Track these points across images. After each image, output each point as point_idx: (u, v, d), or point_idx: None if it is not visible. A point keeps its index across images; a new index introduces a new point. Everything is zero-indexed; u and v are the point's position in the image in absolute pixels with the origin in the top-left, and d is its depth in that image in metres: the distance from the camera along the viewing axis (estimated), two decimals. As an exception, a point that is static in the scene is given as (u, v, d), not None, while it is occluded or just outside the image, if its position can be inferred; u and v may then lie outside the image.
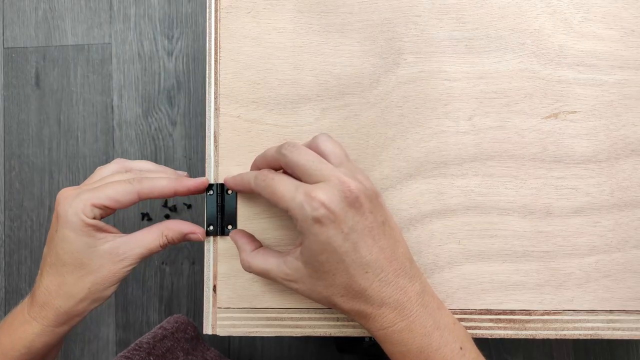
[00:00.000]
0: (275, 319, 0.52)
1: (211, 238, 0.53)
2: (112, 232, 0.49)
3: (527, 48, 0.54)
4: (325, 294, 0.43)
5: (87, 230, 0.47)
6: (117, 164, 0.53)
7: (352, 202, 0.40)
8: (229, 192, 0.53)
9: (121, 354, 0.61)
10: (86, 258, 0.47)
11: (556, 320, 0.51)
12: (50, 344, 0.49)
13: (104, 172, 0.52)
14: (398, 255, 0.43)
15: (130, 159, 1.09)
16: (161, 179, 0.50)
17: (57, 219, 0.47)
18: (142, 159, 1.09)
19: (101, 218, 0.49)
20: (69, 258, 0.47)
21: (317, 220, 0.39)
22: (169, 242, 0.51)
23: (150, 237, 0.50)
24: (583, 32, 0.54)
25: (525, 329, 0.51)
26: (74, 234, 0.46)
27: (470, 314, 0.52)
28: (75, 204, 0.46)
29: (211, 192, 0.53)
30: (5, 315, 1.10)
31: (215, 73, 0.55)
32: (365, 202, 0.41)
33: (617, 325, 0.51)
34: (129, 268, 0.49)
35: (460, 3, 0.54)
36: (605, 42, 0.54)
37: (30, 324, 0.48)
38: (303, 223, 0.40)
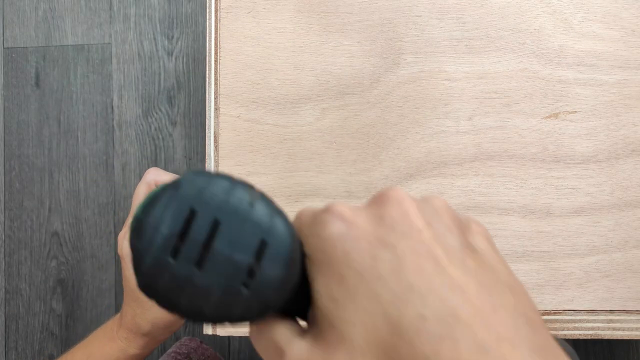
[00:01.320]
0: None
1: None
2: None
3: (527, 48, 0.54)
4: None
5: None
6: (145, 178, 0.53)
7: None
8: None
9: None
10: (143, 298, 0.51)
11: (556, 320, 0.51)
12: None
13: (139, 193, 0.53)
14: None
15: (130, 159, 1.10)
16: None
17: (121, 260, 0.52)
18: (143, 159, 1.09)
19: None
20: (132, 295, 0.52)
21: None
22: None
23: None
24: (583, 32, 0.54)
25: (526, 329, 0.51)
26: (131, 274, 0.51)
27: (471, 314, 0.52)
28: (127, 243, 0.48)
29: None
30: (5, 317, 1.10)
31: (216, 73, 0.55)
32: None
33: (617, 325, 0.51)
34: None
35: (460, 3, 0.54)
36: (605, 42, 0.54)
37: (116, 342, 0.53)
38: None
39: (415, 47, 0.54)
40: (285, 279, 0.19)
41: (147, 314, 0.51)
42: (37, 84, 1.12)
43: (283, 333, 0.23)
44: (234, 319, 0.19)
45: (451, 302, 0.20)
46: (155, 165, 1.08)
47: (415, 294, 0.20)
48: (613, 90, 0.53)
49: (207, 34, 0.55)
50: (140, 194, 0.53)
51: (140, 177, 1.09)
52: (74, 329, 1.08)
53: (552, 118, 0.53)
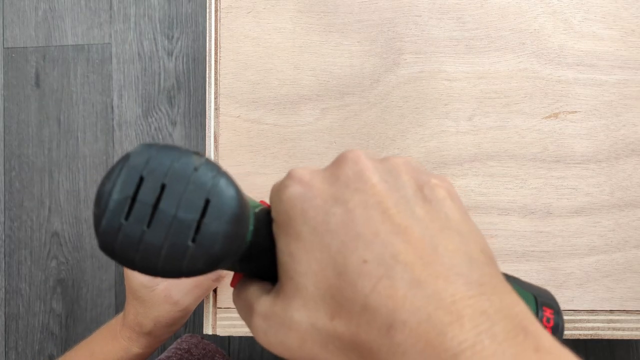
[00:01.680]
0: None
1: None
2: None
3: (527, 48, 0.54)
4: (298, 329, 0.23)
5: None
6: None
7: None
8: None
9: None
10: (145, 296, 0.52)
11: (556, 320, 0.51)
12: None
13: None
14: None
15: (130, 159, 1.09)
16: None
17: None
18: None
19: None
20: (134, 294, 0.52)
21: None
22: (222, 276, 0.53)
23: (202, 277, 0.51)
24: (583, 32, 0.54)
25: (526, 329, 0.51)
26: (133, 274, 0.52)
27: (471, 314, 0.52)
28: None
29: None
30: (5, 317, 1.10)
31: (216, 73, 0.55)
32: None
33: (617, 325, 0.51)
34: (187, 310, 0.53)
35: (460, 3, 0.54)
36: (605, 42, 0.54)
37: (119, 341, 0.54)
38: None
39: (415, 47, 0.54)
40: (229, 233, 0.22)
41: (150, 312, 0.51)
42: (37, 84, 1.12)
43: (253, 292, 0.26)
44: (185, 272, 0.21)
45: (393, 245, 0.22)
46: (155, 165, 1.08)
47: (360, 241, 0.22)
48: (613, 90, 0.53)
49: (207, 34, 0.55)
50: None
51: (140, 177, 1.09)
52: (74, 329, 1.08)
53: (552, 118, 0.53)
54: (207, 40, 0.55)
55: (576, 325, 0.51)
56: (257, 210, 0.25)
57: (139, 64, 1.11)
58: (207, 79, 0.55)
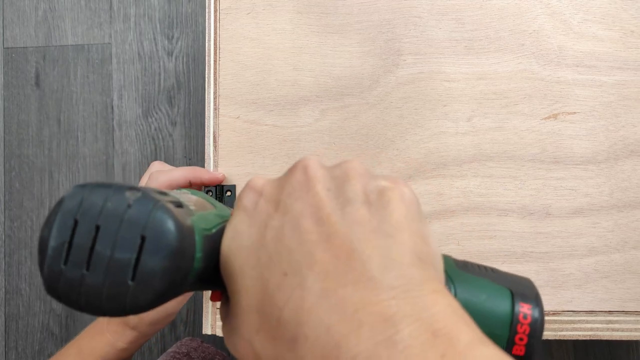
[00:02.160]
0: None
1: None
2: None
3: (527, 49, 0.54)
4: (238, 343, 0.24)
5: None
6: (149, 174, 0.53)
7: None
8: (228, 193, 0.53)
9: None
10: None
11: (555, 321, 0.51)
12: (121, 357, 0.54)
13: (142, 181, 0.54)
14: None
15: (130, 159, 1.10)
16: (176, 170, 0.52)
17: None
18: (143, 159, 1.10)
19: None
20: None
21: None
22: None
23: None
24: (582, 32, 0.54)
25: (525, 330, 0.51)
26: None
27: (470, 314, 0.52)
28: None
29: (210, 193, 0.53)
30: (5, 317, 1.10)
31: (215, 74, 0.55)
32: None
33: (617, 326, 0.51)
34: (172, 310, 0.53)
35: (459, 4, 0.54)
36: (604, 43, 0.54)
37: (105, 335, 0.53)
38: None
39: (414, 48, 0.54)
40: (169, 268, 0.21)
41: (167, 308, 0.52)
42: (37, 84, 1.12)
43: (221, 307, 0.26)
44: (129, 310, 0.21)
45: (312, 255, 0.21)
46: (155, 165, 1.08)
47: (284, 253, 0.22)
48: (612, 91, 0.53)
49: (207, 35, 0.55)
50: (142, 184, 0.53)
51: (140, 177, 1.09)
52: (74, 329, 1.08)
53: (551, 119, 0.53)
54: (207, 41, 0.55)
55: (575, 326, 0.51)
56: (213, 230, 0.25)
57: (139, 64, 1.11)
58: (206, 80, 0.55)
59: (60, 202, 0.22)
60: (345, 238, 0.21)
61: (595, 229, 0.52)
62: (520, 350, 0.24)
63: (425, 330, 0.19)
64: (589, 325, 0.51)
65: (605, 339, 0.51)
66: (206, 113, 0.55)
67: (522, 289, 0.26)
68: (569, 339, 0.51)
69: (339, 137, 0.54)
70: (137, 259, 0.21)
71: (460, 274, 0.26)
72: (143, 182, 0.53)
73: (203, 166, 0.54)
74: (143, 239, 0.21)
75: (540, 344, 0.25)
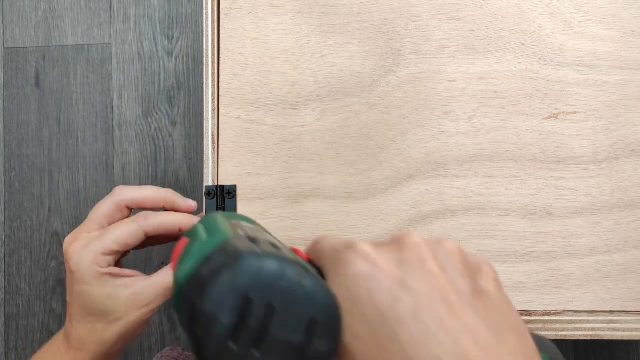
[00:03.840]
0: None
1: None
2: (130, 276, 0.47)
3: (527, 48, 0.54)
4: None
5: (104, 279, 0.45)
6: (113, 198, 0.49)
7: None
8: (229, 195, 0.53)
9: None
10: (110, 307, 0.46)
11: (556, 321, 0.51)
12: None
13: (103, 208, 0.49)
14: None
15: (130, 159, 1.10)
16: (146, 188, 0.49)
17: (72, 274, 0.46)
18: (143, 159, 1.09)
19: (115, 263, 0.47)
20: (93, 309, 0.47)
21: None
22: None
23: (169, 277, 0.49)
24: (583, 32, 0.54)
25: (525, 330, 0.51)
26: (92, 288, 0.46)
27: (470, 314, 0.52)
28: (86, 256, 0.44)
29: (211, 195, 0.53)
30: (5, 317, 1.10)
31: (213, 74, 0.55)
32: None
33: (617, 325, 0.51)
34: (155, 310, 0.49)
35: (460, 4, 0.54)
36: (605, 43, 0.53)
37: None
38: None
39: (415, 48, 0.54)
40: (334, 349, 0.21)
41: (113, 324, 0.47)
42: (37, 84, 1.12)
43: None
44: None
45: (463, 345, 0.22)
46: (155, 165, 1.08)
47: (431, 337, 0.22)
48: (613, 91, 0.53)
49: (204, 36, 0.55)
50: (103, 210, 0.48)
51: (140, 177, 1.09)
52: (63, 328, 1.08)
53: (552, 119, 0.53)
54: (204, 42, 0.55)
55: (576, 326, 0.51)
56: None
57: (139, 64, 1.11)
58: (204, 80, 0.55)
59: (231, 274, 0.21)
60: (487, 332, 0.23)
61: (596, 229, 0.52)
62: None
63: None
64: (590, 325, 0.51)
65: (606, 339, 0.51)
66: (204, 114, 0.55)
67: (553, 354, 0.28)
68: (570, 339, 0.51)
69: (340, 137, 0.54)
70: (309, 343, 0.21)
71: None
72: (103, 209, 0.48)
73: (202, 166, 0.54)
74: (314, 322, 0.21)
75: None
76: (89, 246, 0.46)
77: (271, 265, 0.21)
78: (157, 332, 1.04)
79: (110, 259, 0.46)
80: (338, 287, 0.24)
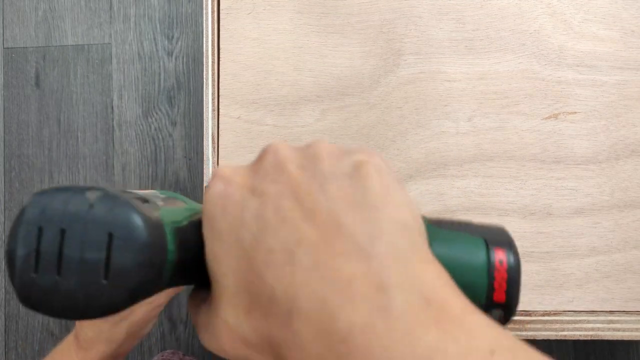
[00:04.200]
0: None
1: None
2: None
3: (527, 49, 0.54)
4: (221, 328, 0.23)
5: None
6: None
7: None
8: None
9: None
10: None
11: (556, 321, 0.51)
12: None
13: None
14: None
15: (130, 159, 1.10)
16: None
17: None
18: (143, 159, 1.09)
19: None
20: None
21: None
22: None
23: None
24: (583, 32, 0.54)
25: (526, 330, 0.51)
26: None
27: (470, 314, 0.52)
28: None
29: None
30: (5, 317, 1.10)
31: (213, 75, 0.55)
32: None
33: (618, 326, 0.51)
34: (161, 307, 0.50)
35: (460, 4, 0.54)
36: (605, 43, 0.53)
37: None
38: None
39: (415, 48, 0.54)
40: (142, 262, 0.21)
41: (119, 323, 0.49)
42: (37, 84, 1.12)
43: (193, 303, 0.26)
44: (108, 310, 0.21)
45: (299, 231, 0.21)
46: (155, 165, 1.08)
47: (269, 231, 0.22)
48: (613, 91, 0.53)
49: (204, 36, 0.55)
50: None
51: (140, 177, 1.09)
52: (74, 329, 1.09)
53: (551, 119, 0.53)
54: (204, 42, 0.55)
55: (576, 326, 0.51)
56: (184, 223, 0.25)
57: (139, 64, 1.11)
58: (204, 81, 0.55)
59: (22, 212, 0.22)
60: (330, 213, 0.21)
61: (596, 229, 0.52)
62: (501, 296, 0.25)
63: (417, 298, 0.19)
64: (590, 325, 0.51)
65: (606, 339, 0.51)
66: (204, 114, 0.55)
67: (496, 237, 0.26)
68: (570, 339, 0.51)
69: (340, 137, 0.54)
70: (108, 258, 0.21)
71: (435, 231, 0.26)
72: None
73: (202, 166, 0.54)
74: (111, 236, 0.21)
75: (518, 289, 0.25)
76: None
77: (60, 195, 0.22)
78: (157, 332, 1.04)
79: None
80: (203, 216, 0.24)
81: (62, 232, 0.21)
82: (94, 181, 1.09)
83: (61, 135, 1.11)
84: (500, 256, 0.25)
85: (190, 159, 1.09)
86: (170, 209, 0.25)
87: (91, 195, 0.22)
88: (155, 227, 0.22)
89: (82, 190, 0.22)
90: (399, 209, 0.22)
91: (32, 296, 0.21)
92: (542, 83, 0.53)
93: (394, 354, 0.18)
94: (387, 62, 0.54)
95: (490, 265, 0.25)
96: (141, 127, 1.10)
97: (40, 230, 0.21)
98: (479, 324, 0.19)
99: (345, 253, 0.20)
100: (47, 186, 1.05)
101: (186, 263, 0.24)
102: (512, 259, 0.25)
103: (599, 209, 0.52)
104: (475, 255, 0.25)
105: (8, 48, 1.14)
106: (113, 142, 1.10)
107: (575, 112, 0.53)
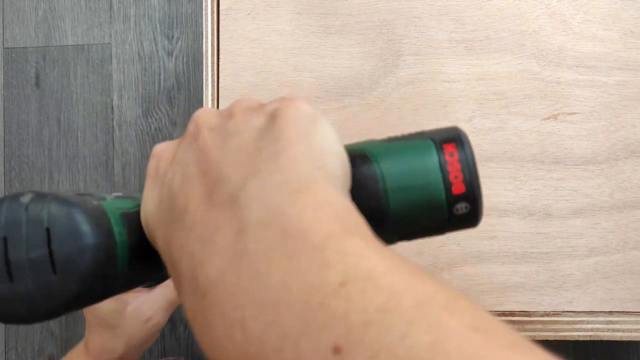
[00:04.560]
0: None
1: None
2: (135, 292, 0.51)
3: (527, 49, 0.54)
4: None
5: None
6: None
7: None
8: None
9: None
10: (114, 321, 0.50)
11: (555, 322, 0.51)
12: None
13: None
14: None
15: (130, 159, 1.10)
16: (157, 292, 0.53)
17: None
18: (143, 159, 1.09)
19: None
20: (100, 321, 0.50)
21: None
22: None
23: (170, 289, 0.50)
24: (582, 33, 0.54)
25: (525, 330, 0.51)
26: (100, 303, 0.49)
27: (470, 315, 0.52)
28: None
29: None
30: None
31: (213, 75, 0.55)
32: None
33: (617, 326, 0.51)
34: (159, 325, 0.51)
35: (459, 4, 0.54)
36: (604, 44, 0.53)
37: None
38: None
39: (414, 49, 0.54)
40: (85, 247, 0.22)
41: (120, 335, 0.50)
42: (37, 84, 1.12)
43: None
44: (70, 303, 0.22)
45: (191, 193, 0.22)
46: (155, 165, 1.09)
47: (173, 198, 0.23)
48: (612, 92, 0.53)
49: (204, 37, 0.55)
50: None
51: (140, 178, 1.09)
52: (74, 329, 1.09)
53: (551, 119, 0.53)
54: (204, 43, 0.55)
55: (575, 326, 0.51)
56: (134, 209, 0.25)
57: (139, 64, 1.11)
58: (204, 81, 0.55)
59: None
60: (217, 169, 0.22)
61: (595, 230, 0.52)
62: (459, 188, 0.25)
63: (275, 233, 0.18)
64: (589, 326, 0.51)
65: (605, 339, 0.51)
66: (206, 114, 0.55)
67: (444, 134, 0.27)
68: (570, 339, 0.51)
69: (339, 138, 0.54)
70: (50, 252, 0.21)
71: (382, 148, 0.27)
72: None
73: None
74: (48, 231, 0.21)
75: (476, 176, 0.25)
76: None
77: None
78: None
79: None
80: (143, 193, 0.26)
81: (4, 240, 0.22)
82: (94, 181, 1.09)
83: (61, 135, 1.11)
84: (449, 149, 0.25)
85: (190, 159, 1.08)
86: (119, 200, 0.26)
87: (24, 199, 0.22)
88: (93, 213, 0.23)
89: (16, 196, 0.22)
90: (297, 144, 0.21)
91: None
92: (542, 84, 0.53)
93: (241, 301, 0.17)
94: (387, 62, 0.54)
95: (441, 162, 0.25)
96: (141, 127, 1.10)
97: None
98: (341, 252, 0.17)
99: (219, 204, 0.20)
100: (47, 186, 1.04)
101: (145, 245, 0.25)
102: (462, 149, 0.25)
103: (598, 209, 0.52)
104: (424, 157, 0.25)
105: (8, 48, 1.14)
106: (113, 142, 1.10)
107: (575, 113, 0.53)
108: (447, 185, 0.25)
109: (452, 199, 0.24)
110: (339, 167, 0.23)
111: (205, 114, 0.25)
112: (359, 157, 0.26)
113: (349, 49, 0.55)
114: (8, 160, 1.12)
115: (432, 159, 0.25)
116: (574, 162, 0.53)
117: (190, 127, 0.25)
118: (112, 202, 0.25)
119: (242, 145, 0.22)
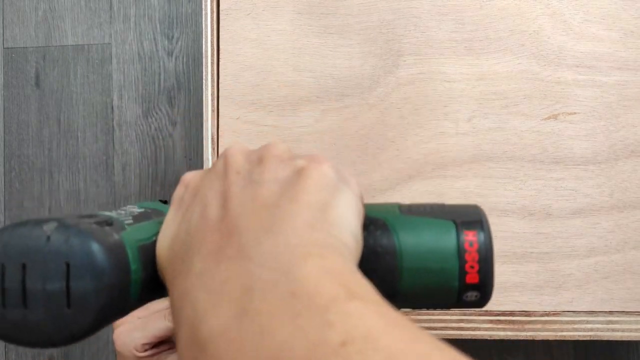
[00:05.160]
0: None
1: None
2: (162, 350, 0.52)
3: (527, 49, 0.54)
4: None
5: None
6: None
7: None
8: None
9: None
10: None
11: (555, 321, 0.51)
12: None
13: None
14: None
15: (130, 159, 1.10)
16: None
17: (118, 353, 0.52)
18: (143, 159, 1.09)
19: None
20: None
21: None
22: None
23: None
24: (582, 33, 0.54)
25: (525, 330, 0.51)
26: (123, 350, 0.50)
27: (470, 315, 0.52)
28: (129, 343, 0.50)
29: None
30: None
31: (212, 75, 0.55)
32: None
33: (617, 326, 0.51)
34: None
35: (459, 4, 0.54)
36: (604, 43, 0.53)
37: None
38: None
39: (414, 49, 0.54)
40: (102, 285, 0.22)
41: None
42: (37, 84, 1.12)
43: None
44: (77, 336, 0.22)
45: (204, 237, 0.22)
46: (156, 165, 1.09)
47: (187, 241, 0.23)
48: (612, 92, 0.53)
49: (204, 37, 0.55)
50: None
51: (140, 178, 1.09)
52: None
53: (551, 119, 0.53)
54: (204, 43, 0.55)
55: (575, 326, 0.51)
56: (153, 239, 0.26)
57: (139, 64, 1.11)
58: (204, 82, 0.55)
59: None
60: (235, 217, 0.22)
61: (595, 230, 0.52)
62: (474, 278, 0.25)
63: (282, 294, 0.18)
64: (589, 326, 0.51)
65: (605, 339, 0.51)
66: (204, 115, 0.55)
67: (466, 218, 0.26)
68: (569, 339, 0.51)
69: (339, 138, 0.54)
70: (68, 287, 0.22)
71: (402, 219, 0.26)
72: None
73: (203, 166, 0.54)
74: (68, 265, 0.22)
75: (492, 268, 0.25)
76: (133, 333, 0.51)
77: (19, 230, 0.23)
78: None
79: (148, 346, 0.51)
80: (165, 221, 0.26)
81: (24, 266, 0.22)
82: (94, 181, 1.09)
83: (61, 135, 1.11)
84: (470, 238, 0.25)
85: (190, 159, 1.09)
86: (138, 227, 0.26)
87: (47, 228, 0.22)
88: (113, 250, 0.23)
89: (39, 223, 0.23)
90: (311, 208, 0.22)
91: (3, 329, 0.23)
92: (542, 84, 0.53)
93: (242, 358, 0.17)
94: (387, 62, 0.54)
95: (460, 249, 0.25)
96: (141, 127, 1.10)
97: (2, 267, 0.22)
98: (345, 313, 0.18)
99: (231, 257, 0.20)
100: (47, 186, 1.05)
101: (156, 278, 0.25)
102: (482, 239, 0.25)
103: (598, 209, 0.52)
104: (444, 240, 0.25)
105: (8, 48, 1.14)
106: (113, 142, 1.10)
107: (575, 113, 0.53)
108: (462, 274, 0.25)
109: (464, 287, 0.25)
110: (351, 240, 0.23)
111: (236, 153, 0.25)
112: (380, 226, 0.26)
113: (349, 49, 0.55)
114: (8, 160, 1.12)
115: (451, 245, 0.25)
116: (574, 162, 0.53)
117: (219, 163, 0.25)
118: (132, 231, 0.25)
119: (262, 198, 0.22)
